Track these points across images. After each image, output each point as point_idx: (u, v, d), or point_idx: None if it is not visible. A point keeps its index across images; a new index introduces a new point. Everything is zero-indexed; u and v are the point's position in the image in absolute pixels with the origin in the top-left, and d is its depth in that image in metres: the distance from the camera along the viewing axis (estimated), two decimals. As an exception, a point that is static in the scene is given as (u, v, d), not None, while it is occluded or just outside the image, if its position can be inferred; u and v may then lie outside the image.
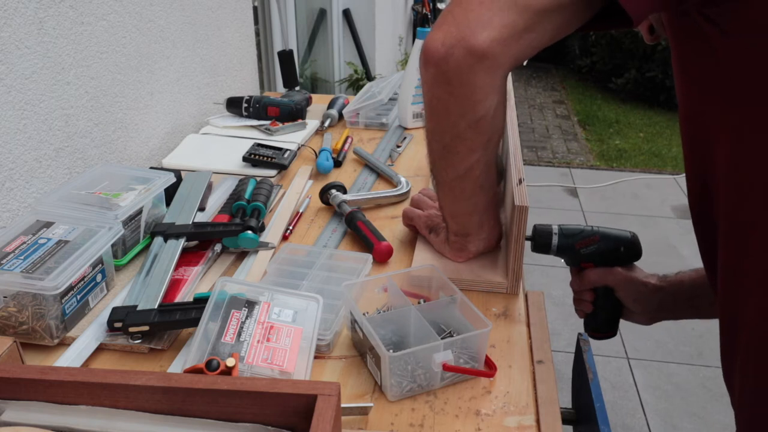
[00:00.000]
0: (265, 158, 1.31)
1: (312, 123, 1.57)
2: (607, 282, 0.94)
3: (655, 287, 0.94)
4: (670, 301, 0.94)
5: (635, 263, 0.96)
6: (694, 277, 0.94)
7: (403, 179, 1.26)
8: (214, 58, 1.65)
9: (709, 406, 2.10)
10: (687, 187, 0.76)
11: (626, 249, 0.93)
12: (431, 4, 5.29)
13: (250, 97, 1.59)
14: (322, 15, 3.42)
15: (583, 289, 0.96)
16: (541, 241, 0.93)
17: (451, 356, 0.74)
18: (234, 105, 1.60)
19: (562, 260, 0.96)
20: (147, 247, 1.01)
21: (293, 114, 1.56)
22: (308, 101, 1.69)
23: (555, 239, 0.92)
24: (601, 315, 0.97)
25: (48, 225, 0.89)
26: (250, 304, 0.80)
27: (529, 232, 0.93)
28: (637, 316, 0.97)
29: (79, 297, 0.84)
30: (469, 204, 0.89)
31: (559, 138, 4.91)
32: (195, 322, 0.78)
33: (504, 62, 0.68)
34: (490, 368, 0.78)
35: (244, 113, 1.58)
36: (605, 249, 0.92)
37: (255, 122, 1.55)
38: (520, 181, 0.95)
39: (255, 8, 2.27)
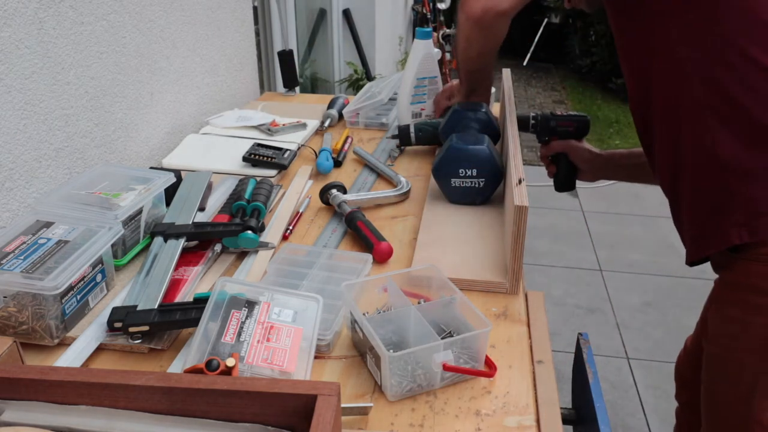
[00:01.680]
0: (265, 158, 1.31)
1: (312, 123, 1.57)
2: (564, 148, 1.32)
3: (596, 153, 1.32)
4: (608, 160, 1.32)
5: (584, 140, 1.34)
6: (628, 149, 1.31)
7: (403, 179, 1.26)
8: (214, 58, 1.65)
9: (709, 406, 2.10)
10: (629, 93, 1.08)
11: (578, 126, 1.31)
12: (431, 4, 5.29)
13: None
14: (322, 15, 3.42)
15: (548, 154, 1.34)
16: (522, 122, 1.28)
17: (451, 356, 0.74)
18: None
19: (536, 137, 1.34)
20: (147, 247, 1.01)
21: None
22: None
23: (531, 120, 1.31)
24: (561, 173, 1.34)
25: (48, 225, 0.89)
26: (250, 304, 0.80)
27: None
28: (585, 174, 1.34)
29: (79, 297, 0.84)
30: (480, 71, 1.32)
31: (559, 138, 4.90)
32: (195, 322, 0.78)
33: (513, 15, 1.13)
34: (490, 368, 0.78)
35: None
36: (564, 125, 1.31)
37: (255, 122, 1.55)
38: (520, 181, 0.95)
39: (255, 8, 2.26)
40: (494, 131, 1.30)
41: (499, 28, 1.16)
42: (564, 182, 1.35)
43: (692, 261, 1.00)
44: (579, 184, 1.38)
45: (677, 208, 1.01)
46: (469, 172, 1.16)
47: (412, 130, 1.43)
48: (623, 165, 1.31)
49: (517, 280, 0.93)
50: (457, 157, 1.16)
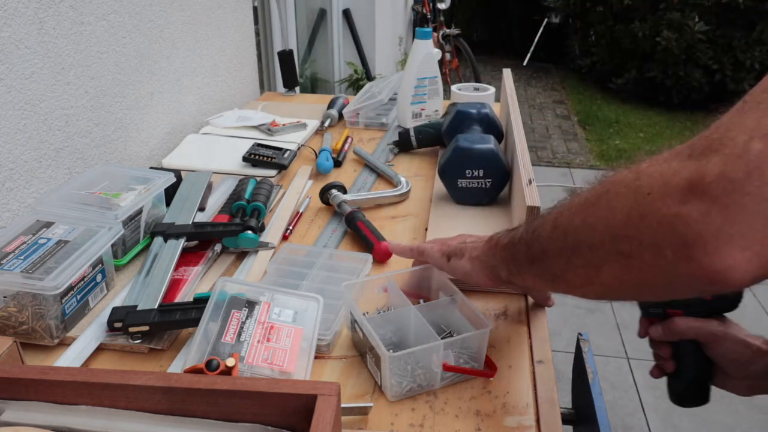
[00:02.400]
0: (265, 158, 1.31)
1: (312, 123, 1.57)
2: (700, 335, 0.79)
3: (761, 350, 0.77)
4: None
5: (732, 320, 0.80)
6: None
7: (403, 179, 1.26)
8: (214, 58, 1.65)
9: (709, 406, 2.10)
10: None
11: (717, 295, 0.77)
12: (431, 4, 5.29)
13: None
14: (322, 15, 3.42)
15: (668, 340, 0.82)
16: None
17: (451, 356, 0.74)
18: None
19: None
20: (147, 247, 1.01)
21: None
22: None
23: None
24: (688, 375, 0.80)
25: (48, 225, 0.89)
26: (251, 304, 0.80)
27: None
28: (734, 381, 0.81)
29: (79, 297, 0.84)
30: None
31: (559, 138, 4.90)
32: (195, 322, 0.78)
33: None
34: (490, 368, 0.78)
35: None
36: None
37: (255, 122, 1.55)
38: (530, 182, 0.95)
39: (255, 8, 2.26)
40: (497, 131, 1.30)
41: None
42: (690, 390, 0.83)
43: None
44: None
45: None
46: (475, 173, 1.15)
47: (412, 134, 1.43)
48: None
49: None
50: (464, 157, 1.15)
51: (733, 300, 0.78)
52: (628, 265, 0.51)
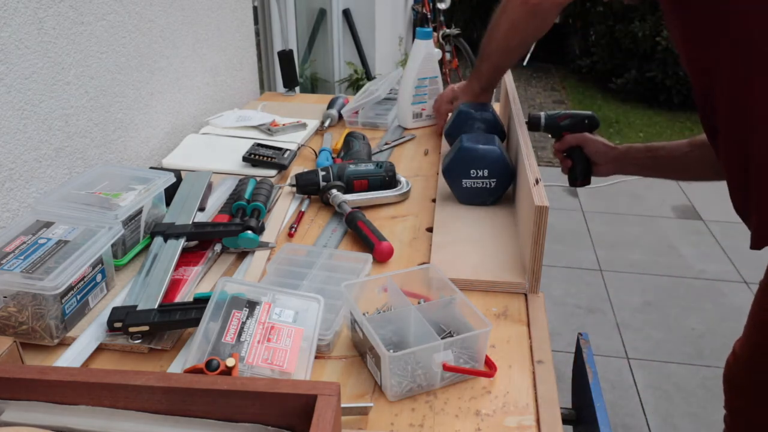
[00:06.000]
0: (265, 158, 1.31)
1: (312, 123, 1.57)
2: (578, 141, 1.31)
3: (611, 146, 1.31)
4: (625, 153, 1.30)
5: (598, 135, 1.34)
6: (644, 144, 1.30)
7: (403, 179, 1.26)
8: (214, 58, 1.65)
9: (709, 406, 2.10)
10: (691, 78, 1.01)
11: (589, 120, 1.35)
12: (431, 4, 5.29)
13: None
14: (322, 15, 3.42)
15: (563, 148, 1.33)
16: (534, 122, 1.33)
17: (451, 356, 0.74)
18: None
19: (550, 135, 1.36)
20: (147, 247, 1.01)
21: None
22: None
23: (543, 120, 1.34)
24: (577, 166, 1.34)
25: (48, 225, 0.89)
26: (251, 305, 0.80)
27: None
28: (600, 167, 1.32)
29: (79, 297, 0.84)
30: (507, 66, 1.35)
31: (559, 138, 4.89)
32: (195, 322, 0.78)
33: (565, 5, 1.14)
34: (490, 368, 0.78)
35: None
36: (575, 121, 1.34)
37: (255, 122, 1.55)
38: (537, 181, 0.95)
39: (255, 8, 2.26)
40: (500, 131, 1.30)
41: (552, 18, 1.16)
42: (580, 176, 1.36)
43: (757, 246, 0.98)
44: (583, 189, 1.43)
45: (745, 194, 0.98)
46: (480, 173, 1.15)
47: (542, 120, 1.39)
48: (640, 159, 1.28)
49: (537, 280, 0.93)
50: (468, 157, 1.15)
51: (595, 124, 1.35)
52: (504, 19, 1.19)
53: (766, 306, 1.01)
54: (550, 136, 1.39)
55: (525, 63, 6.66)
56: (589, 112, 1.37)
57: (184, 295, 0.91)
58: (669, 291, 2.72)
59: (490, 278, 0.95)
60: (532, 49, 7.14)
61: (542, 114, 1.35)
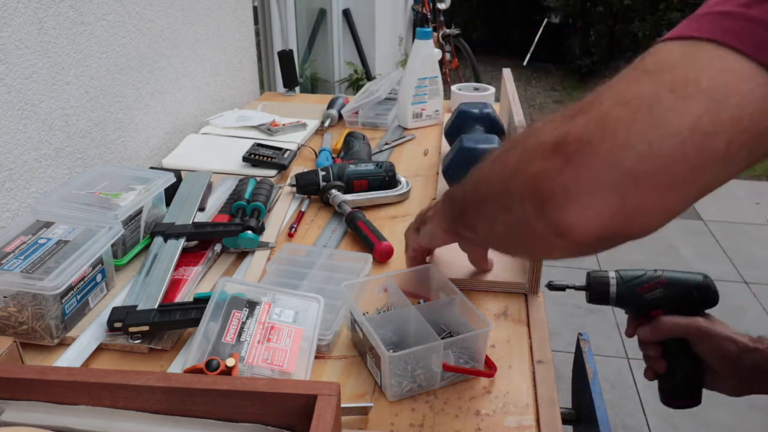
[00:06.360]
0: (265, 158, 1.31)
1: (312, 123, 1.57)
2: (686, 332, 0.79)
3: (747, 347, 0.76)
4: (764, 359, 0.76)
5: (717, 318, 0.81)
6: None
7: (403, 179, 1.26)
8: (214, 58, 1.65)
9: (709, 406, 2.09)
10: None
11: (699, 293, 0.79)
12: (431, 4, 5.29)
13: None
14: (322, 15, 3.42)
15: (657, 340, 0.82)
16: (598, 289, 0.84)
17: (451, 356, 0.74)
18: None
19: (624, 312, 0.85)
20: (147, 247, 1.01)
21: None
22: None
23: (613, 287, 0.83)
24: (679, 374, 0.80)
25: (48, 225, 0.89)
26: (251, 305, 0.80)
27: (582, 281, 0.88)
28: (724, 380, 0.80)
29: (79, 297, 0.84)
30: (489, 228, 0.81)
31: (559, 138, 4.89)
32: (195, 322, 0.78)
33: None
34: (490, 368, 0.78)
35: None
36: (675, 293, 0.80)
37: (255, 122, 1.55)
38: None
39: (255, 8, 2.26)
40: (500, 130, 1.30)
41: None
42: (682, 391, 0.83)
43: None
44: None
45: None
46: None
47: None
48: None
49: (537, 280, 0.93)
50: (469, 157, 1.14)
51: (710, 298, 0.80)
52: (509, 217, 0.53)
53: None
54: (624, 312, 0.86)
55: (525, 63, 6.67)
56: (700, 276, 0.80)
57: (184, 295, 0.91)
58: (669, 291, 2.72)
59: (490, 278, 0.95)
60: (532, 49, 7.11)
61: (612, 275, 0.83)
